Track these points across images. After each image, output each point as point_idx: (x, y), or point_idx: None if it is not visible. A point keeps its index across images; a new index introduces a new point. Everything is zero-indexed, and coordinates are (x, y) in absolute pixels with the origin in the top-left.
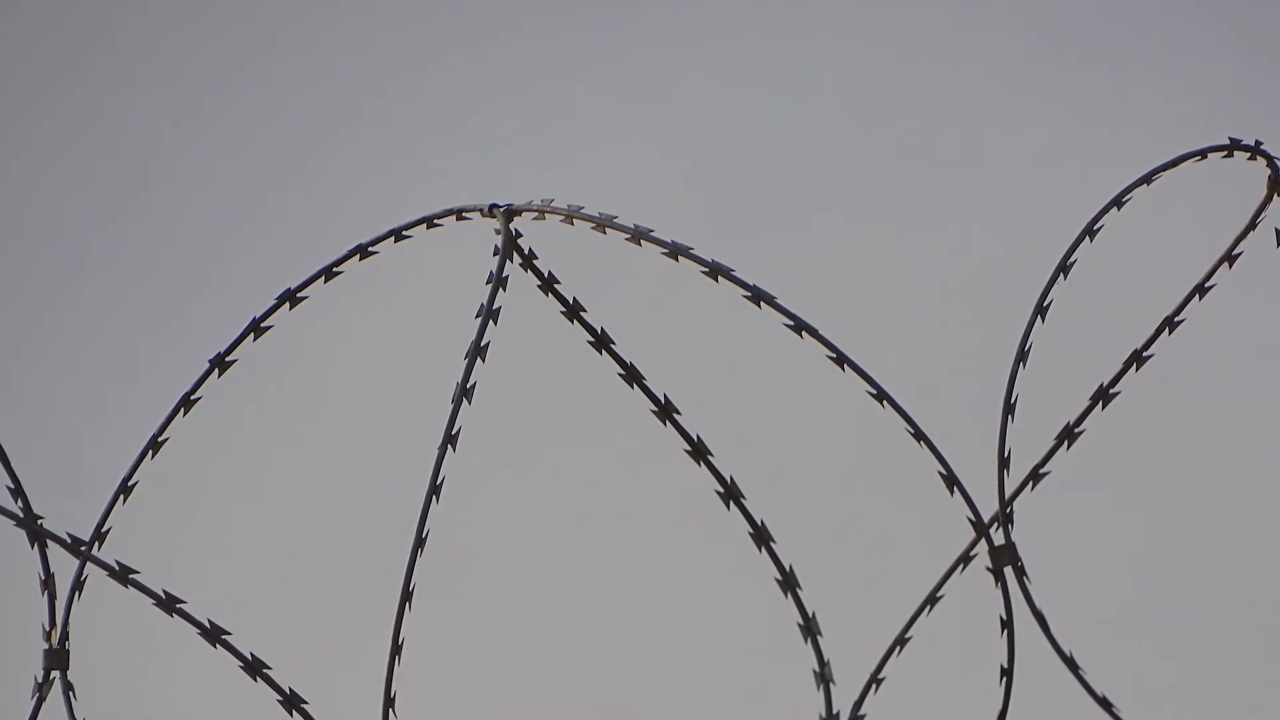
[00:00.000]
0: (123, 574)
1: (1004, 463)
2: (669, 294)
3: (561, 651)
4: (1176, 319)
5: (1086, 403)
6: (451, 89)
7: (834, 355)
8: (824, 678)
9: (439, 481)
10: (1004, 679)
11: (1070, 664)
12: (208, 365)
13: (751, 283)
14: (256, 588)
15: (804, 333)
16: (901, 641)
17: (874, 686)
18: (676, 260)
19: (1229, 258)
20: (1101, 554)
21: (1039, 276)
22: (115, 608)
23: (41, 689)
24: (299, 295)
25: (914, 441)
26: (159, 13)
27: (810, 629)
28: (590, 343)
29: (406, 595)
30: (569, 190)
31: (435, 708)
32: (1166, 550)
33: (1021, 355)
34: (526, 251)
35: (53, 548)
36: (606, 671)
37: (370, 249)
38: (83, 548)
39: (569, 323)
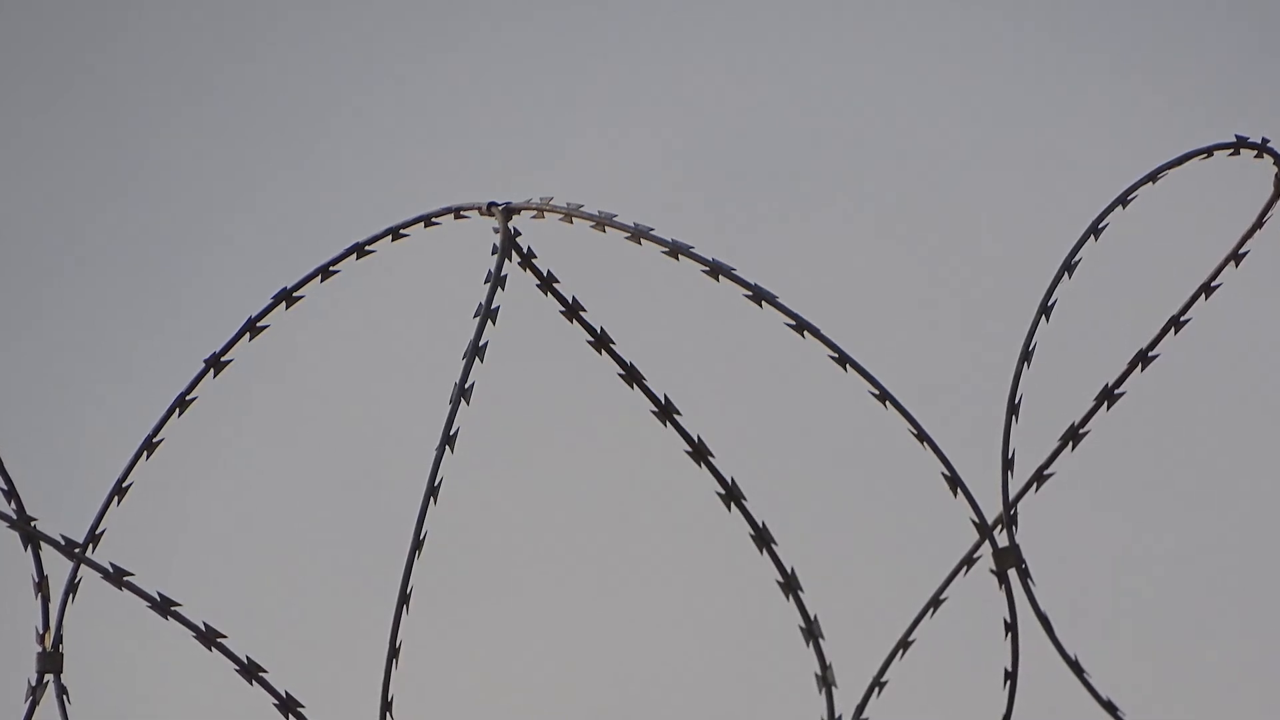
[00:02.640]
0: (117, 576)
1: (1008, 464)
2: (669, 293)
3: (560, 654)
4: (1182, 318)
5: (1091, 403)
6: (449, 86)
7: (836, 355)
8: (826, 681)
9: (437, 483)
10: (1008, 682)
11: (1075, 667)
12: (203, 365)
13: (753, 282)
14: (252, 590)
15: (806, 332)
16: (905, 645)
17: (877, 690)
18: (677, 259)
19: (1235, 257)
20: (1106, 556)
21: (1043, 275)
22: (110, 610)
23: (35, 692)
24: (295, 294)
25: (917, 442)
26: (153, 8)
27: (812, 632)
28: (590, 342)
29: (404, 598)
30: (568, 188)
31: (434, 711)
32: (1171, 552)
33: (1026, 355)
34: (525, 250)
35: (46, 550)
36: (606, 674)
37: (367, 248)
38: (77, 550)
39: (568, 322)
